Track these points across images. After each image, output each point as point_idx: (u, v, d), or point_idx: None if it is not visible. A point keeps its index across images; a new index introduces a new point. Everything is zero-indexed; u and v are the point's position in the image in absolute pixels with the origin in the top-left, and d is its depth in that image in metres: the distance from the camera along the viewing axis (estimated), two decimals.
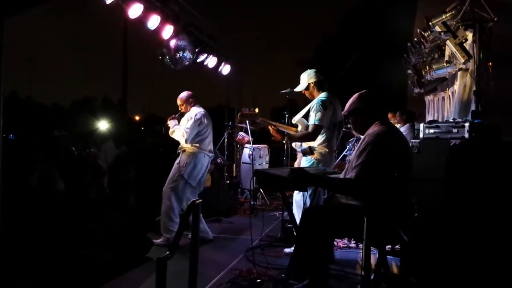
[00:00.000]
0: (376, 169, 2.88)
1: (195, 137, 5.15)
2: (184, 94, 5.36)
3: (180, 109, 5.35)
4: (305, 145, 4.55)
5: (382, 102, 3.27)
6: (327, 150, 4.51)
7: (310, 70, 4.77)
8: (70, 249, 3.86)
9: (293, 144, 4.86)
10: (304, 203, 4.33)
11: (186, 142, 5.10)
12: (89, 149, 7.17)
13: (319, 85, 4.70)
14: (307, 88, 4.72)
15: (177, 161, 5.21)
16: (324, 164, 4.43)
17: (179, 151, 5.26)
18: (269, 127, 4.71)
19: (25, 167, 5.93)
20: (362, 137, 3.16)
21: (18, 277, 3.65)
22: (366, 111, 3.19)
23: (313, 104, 4.50)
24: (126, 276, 4.00)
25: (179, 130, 5.12)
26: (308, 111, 4.57)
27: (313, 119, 4.43)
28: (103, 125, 8.46)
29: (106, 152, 7.40)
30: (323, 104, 4.44)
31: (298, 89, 4.84)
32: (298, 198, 4.55)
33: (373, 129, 3.07)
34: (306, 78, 4.73)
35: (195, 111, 5.22)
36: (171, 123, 5.26)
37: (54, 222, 4.32)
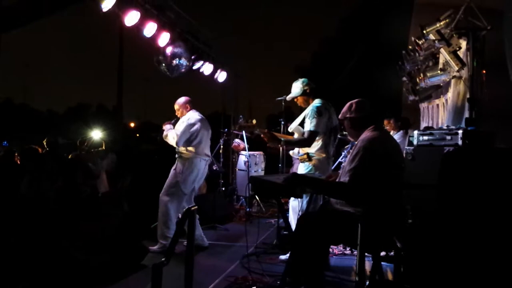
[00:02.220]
0: (369, 174, 2.91)
1: (187, 140, 5.17)
2: (181, 99, 5.39)
3: (176, 113, 5.39)
4: (303, 151, 4.57)
5: (377, 109, 3.30)
6: (325, 156, 4.53)
7: (300, 80, 4.79)
8: (66, 256, 3.85)
9: (291, 152, 4.89)
10: (300, 210, 4.34)
11: (177, 145, 5.13)
12: (79, 151, 7.17)
13: (311, 93, 4.73)
14: (301, 94, 4.75)
15: (173, 168, 5.24)
16: (322, 169, 4.45)
17: (176, 156, 5.28)
18: (264, 137, 4.71)
19: (17, 174, 5.93)
20: (356, 141, 3.19)
21: (12, 281, 3.63)
22: (362, 119, 3.23)
23: (308, 111, 4.53)
24: (122, 283, 3.99)
25: (172, 133, 5.16)
26: (304, 119, 4.59)
27: (308, 126, 4.46)
28: (97, 134, 8.45)
29: (98, 159, 7.41)
30: (318, 111, 4.47)
31: (290, 96, 4.86)
32: (294, 204, 4.56)
33: (366, 134, 3.11)
34: (299, 87, 4.76)
35: (189, 116, 5.26)
36: (166, 127, 5.31)
37: (49, 228, 4.30)
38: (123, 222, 5.33)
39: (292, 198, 4.62)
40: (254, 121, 4.80)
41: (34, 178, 5.64)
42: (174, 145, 5.16)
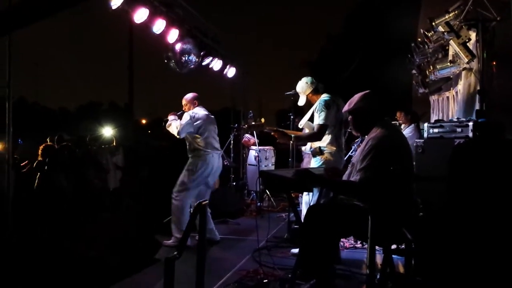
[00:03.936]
0: (380, 173, 2.89)
1: (191, 133, 5.23)
2: (189, 95, 5.48)
3: (183, 108, 5.46)
4: (314, 146, 4.59)
5: (385, 104, 3.28)
6: (336, 148, 4.54)
7: (304, 80, 4.81)
8: (79, 251, 3.91)
9: (303, 148, 4.89)
10: (311, 203, 4.35)
11: (178, 134, 5.17)
12: (90, 146, 7.30)
13: (316, 90, 4.75)
14: (309, 94, 4.78)
15: (186, 167, 5.29)
16: (334, 163, 4.45)
17: (189, 155, 5.33)
18: (275, 134, 4.74)
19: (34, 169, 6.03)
20: (365, 138, 3.16)
21: (27, 278, 3.70)
22: (368, 112, 3.21)
23: (316, 106, 4.55)
24: (135, 277, 4.05)
25: (175, 122, 5.22)
26: (313, 114, 4.61)
27: (317, 120, 4.47)
28: (108, 130, 8.57)
29: (108, 154, 7.54)
30: (326, 104, 4.49)
31: (300, 103, 4.89)
32: (307, 199, 4.57)
33: (375, 132, 3.06)
34: (302, 90, 4.79)
35: (195, 111, 5.32)
36: (170, 117, 5.37)
37: (63, 224, 4.37)
38: (136, 217, 5.40)
39: (304, 193, 4.64)
40: (263, 120, 4.82)
41: (50, 174, 5.74)
42: (176, 134, 5.20)
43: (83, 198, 5.96)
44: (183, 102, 5.47)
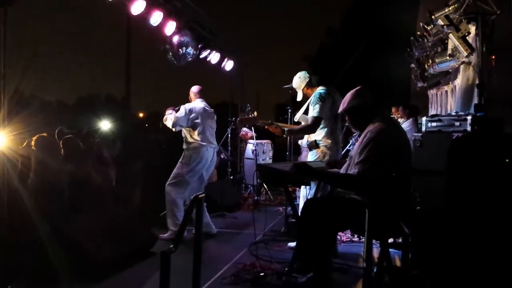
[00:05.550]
0: (378, 166, 2.88)
1: (187, 127, 5.24)
2: (193, 88, 5.50)
3: (189, 100, 5.47)
4: (310, 139, 4.57)
5: (379, 98, 3.26)
6: (332, 142, 4.51)
7: (298, 75, 4.80)
8: (75, 243, 3.89)
9: (299, 141, 4.88)
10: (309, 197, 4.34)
11: (173, 126, 5.16)
12: (93, 139, 7.26)
13: (310, 83, 4.74)
14: (304, 87, 4.77)
15: (180, 160, 5.28)
16: (330, 156, 4.44)
17: (183, 147, 5.31)
18: (269, 127, 4.72)
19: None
20: (363, 132, 3.15)
21: (22, 272, 3.68)
22: (364, 108, 3.19)
23: (311, 98, 4.54)
24: (131, 270, 4.04)
25: (171, 116, 5.22)
26: (308, 107, 4.60)
27: (311, 112, 4.46)
28: (105, 124, 8.55)
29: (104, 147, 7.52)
30: (321, 97, 4.48)
31: (298, 98, 4.88)
32: (304, 192, 4.57)
33: (374, 125, 3.05)
34: (297, 85, 4.80)
35: (193, 104, 5.33)
36: (167, 112, 5.36)
37: (60, 216, 4.34)
38: (132, 210, 5.38)
39: (302, 187, 4.64)
40: (255, 113, 4.80)
41: (47, 166, 5.69)
42: (171, 127, 5.19)
43: (82, 192, 5.93)
44: (190, 94, 5.51)
